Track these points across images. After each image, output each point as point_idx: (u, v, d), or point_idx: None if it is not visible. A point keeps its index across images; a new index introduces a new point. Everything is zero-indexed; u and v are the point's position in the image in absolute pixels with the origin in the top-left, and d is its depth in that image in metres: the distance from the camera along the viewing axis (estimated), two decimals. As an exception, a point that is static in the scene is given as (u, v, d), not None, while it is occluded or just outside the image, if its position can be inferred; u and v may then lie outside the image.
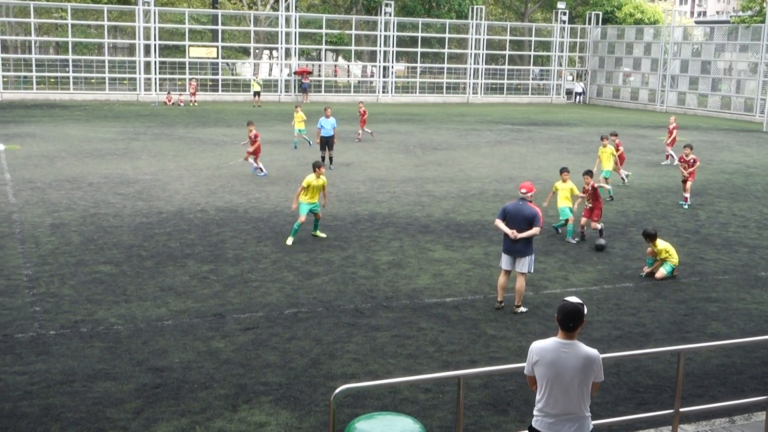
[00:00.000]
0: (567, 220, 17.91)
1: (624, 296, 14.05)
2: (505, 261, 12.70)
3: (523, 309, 12.84)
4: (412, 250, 16.68)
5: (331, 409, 6.54)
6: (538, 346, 6.31)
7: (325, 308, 12.86)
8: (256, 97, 55.54)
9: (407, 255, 16.26)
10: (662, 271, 15.06)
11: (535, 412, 6.35)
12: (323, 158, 27.21)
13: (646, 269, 15.37)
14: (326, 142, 27.41)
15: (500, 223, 12.67)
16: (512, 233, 12.39)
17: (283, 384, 9.89)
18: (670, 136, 30.89)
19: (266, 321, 12.17)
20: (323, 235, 17.40)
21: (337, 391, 6.60)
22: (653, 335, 12.10)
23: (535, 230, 12.42)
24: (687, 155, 22.22)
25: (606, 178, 23.45)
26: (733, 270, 15.99)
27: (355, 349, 11.15)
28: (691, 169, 22.13)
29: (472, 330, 12.06)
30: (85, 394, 9.43)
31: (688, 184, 22.24)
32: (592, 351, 6.22)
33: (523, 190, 12.73)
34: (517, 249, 12.48)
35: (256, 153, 25.29)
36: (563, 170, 18.39)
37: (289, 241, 16.84)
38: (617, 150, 24.92)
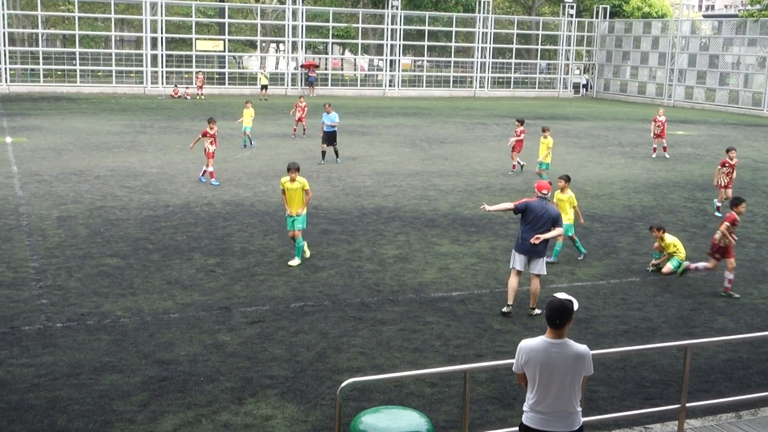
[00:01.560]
0: (571, 238, 15.99)
1: (630, 291, 14.02)
2: (519, 261, 12.33)
3: (537, 311, 12.42)
4: (419, 244, 16.67)
5: (337, 403, 6.55)
6: (527, 345, 6.22)
7: (332, 302, 12.86)
8: (264, 90, 55.41)
9: (413, 249, 16.25)
10: (669, 266, 15.01)
11: (525, 409, 6.31)
12: (324, 153, 27.30)
13: (653, 263, 15.34)
14: (327, 138, 27.21)
15: (505, 205, 12.60)
16: (534, 238, 11.99)
17: (289, 377, 9.90)
18: (658, 127, 30.54)
19: (272, 314, 12.18)
20: (293, 263, 14.82)
21: (344, 384, 6.60)
22: (660, 330, 12.08)
23: (558, 230, 12.21)
24: (732, 158, 20.56)
25: (543, 170, 23.67)
26: (740, 265, 15.92)
27: (361, 342, 11.15)
28: (733, 174, 20.63)
29: (478, 324, 12.05)
30: (92, 386, 9.45)
31: (729, 191, 20.38)
32: (583, 348, 6.18)
33: (545, 191, 12.37)
34: (536, 249, 12.15)
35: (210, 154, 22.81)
36: (563, 178, 15.84)
37: (294, 261, 14.86)
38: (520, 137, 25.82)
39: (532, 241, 12.01)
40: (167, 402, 9.12)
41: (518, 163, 26.69)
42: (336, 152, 27.48)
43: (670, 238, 15.27)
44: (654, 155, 30.92)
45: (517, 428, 6.55)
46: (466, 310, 12.66)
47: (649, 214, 20.39)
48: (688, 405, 7.98)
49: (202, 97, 53.70)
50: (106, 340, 10.94)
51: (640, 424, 8.89)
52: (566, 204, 15.65)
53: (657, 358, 10.89)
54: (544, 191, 12.40)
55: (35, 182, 22.05)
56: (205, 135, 22.83)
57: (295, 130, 34.45)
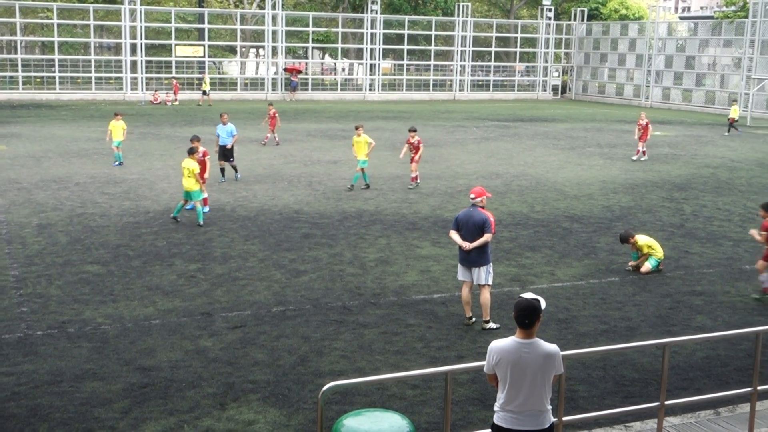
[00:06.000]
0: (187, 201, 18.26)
1: (610, 290, 14.13)
2: (461, 272, 11.96)
3: (492, 325, 11.96)
4: (400, 247, 16.72)
5: (319, 407, 6.57)
6: (498, 346, 6.27)
7: (313, 306, 12.88)
8: (205, 96, 53.58)
9: (394, 252, 16.30)
10: (647, 266, 15.15)
11: (496, 409, 6.36)
12: (222, 170, 24.22)
13: (632, 263, 15.47)
14: (223, 152, 24.06)
15: (454, 234, 11.84)
16: (465, 245, 11.63)
17: (271, 382, 9.92)
18: (642, 132, 30.63)
19: (254, 319, 12.19)
20: None
21: (325, 388, 6.62)
22: (639, 329, 12.18)
23: (486, 237, 11.57)
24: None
25: (362, 168, 23.03)
26: (717, 263, 16.10)
27: (343, 346, 11.18)
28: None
29: (459, 326, 12.11)
30: (73, 394, 9.43)
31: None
32: (553, 347, 6.26)
33: (472, 196, 11.86)
34: (471, 259, 11.71)
35: (201, 175, 19.06)
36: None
37: None
38: (418, 147, 23.35)
39: (463, 248, 11.67)
40: (149, 409, 9.11)
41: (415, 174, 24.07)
42: (234, 168, 24.57)
43: (642, 240, 15.40)
44: (643, 158, 30.84)
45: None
46: (448, 312, 12.72)
47: (627, 214, 20.54)
48: (667, 403, 8.06)
49: (176, 102, 53.43)
50: (87, 347, 10.91)
51: (620, 423, 8.98)
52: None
53: (636, 356, 10.99)
54: (471, 196, 11.92)
55: (14, 190, 21.92)
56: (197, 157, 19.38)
57: (266, 138, 33.28)
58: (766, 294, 13.85)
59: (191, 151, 18.58)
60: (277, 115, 33.26)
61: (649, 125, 30.85)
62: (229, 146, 23.94)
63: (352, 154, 24.01)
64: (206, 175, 19.70)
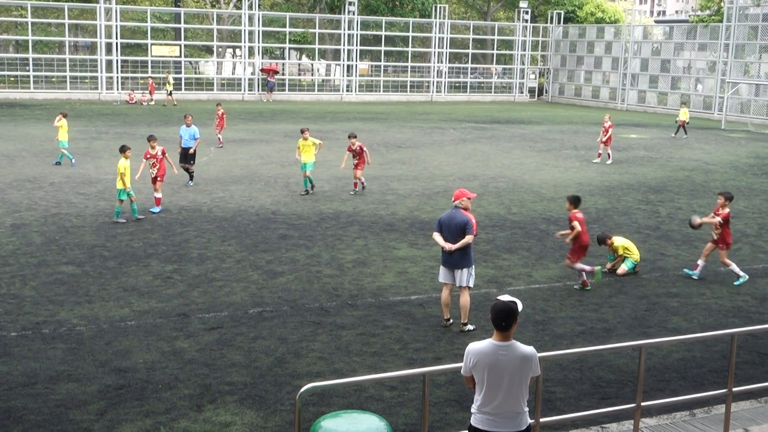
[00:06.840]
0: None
1: (586, 292, 14.20)
2: (443, 274, 11.97)
3: (470, 327, 12.00)
4: (377, 248, 16.72)
5: (296, 408, 6.55)
6: (475, 348, 6.28)
7: (290, 307, 12.85)
8: (170, 96, 53.08)
9: (372, 253, 16.29)
10: (624, 267, 15.25)
11: (473, 410, 6.37)
12: (189, 172, 23.72)
13: (608, 265, 15.56)
14: (184, 155, 23.53)
15: (437, 236, 11.86)
16: (448, 246, 11.63)
17: (248, 383, 9.87)
18: (605, 135, 30.77)
19: (231, 320, 12.13)
20: None
21: (303, 389, 6.60)
22: (615, 330, 12.25)
23: (467, 239, 11.58)
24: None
25: (309, 171, 22.39)
26: (693, 266, 16.21)
27: (321, 347, 11.16)
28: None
29: (436, 327, 12.12)
30: (48, 395, 9.34)
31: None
32: (529, 349, 6.28)
33: (453, 198, 12.00)
34: (453, 261, 11.74)
35: (160, 176, 19.69)
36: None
37: None
38: (360, 152, 22.42)
39: (446, 249, 11.69)
40: (125, 410, 9.04)
41: (360, 180, 23.13)
42: (191, 174, 23.65)
43: (619, 241, 15.51)
44: (607, 161, 30.99)
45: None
46: (425, 314, 12.73)
47: (603, 216, 20.66)
48: (643, 404, 8.10)
49: (152, 102, 53.09)
50: (62, 348, 10.81)
51: (596, 424, 9.02)
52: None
53: (613, 358, 11.05)
54: (453, 198, 11.97)
55: (-13, 190, 21.69)
56: (146, 157, 19.68)
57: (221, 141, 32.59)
58: (586, 287, 14.30)
59: (123, 149, 18.60)
60: (224, 115, 32.83)
61: (611, 128, 30.89)
62: (191, 150, 23.50)
63: (297, 157, 23.06)
64: (169, 173, 19.87)
